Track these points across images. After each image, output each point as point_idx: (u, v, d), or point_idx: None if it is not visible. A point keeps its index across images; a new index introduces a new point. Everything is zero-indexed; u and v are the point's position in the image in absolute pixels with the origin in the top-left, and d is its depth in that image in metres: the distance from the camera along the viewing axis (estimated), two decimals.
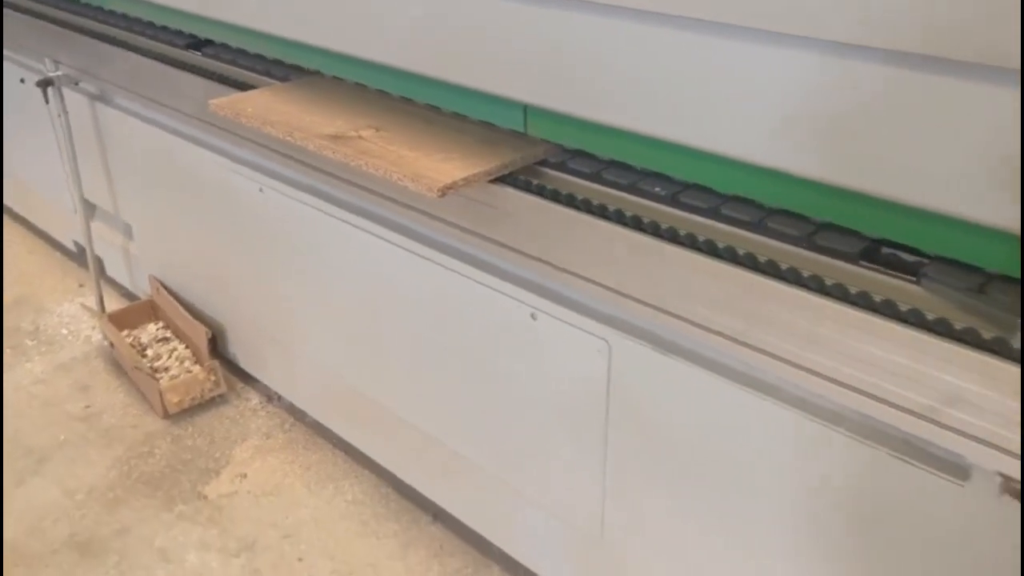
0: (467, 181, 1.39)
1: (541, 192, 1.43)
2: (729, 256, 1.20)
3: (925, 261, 1.11)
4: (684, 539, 1.55)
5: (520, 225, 1.46)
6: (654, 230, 1.28)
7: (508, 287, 1.63)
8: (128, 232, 2.93)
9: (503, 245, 1.51)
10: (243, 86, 1.96)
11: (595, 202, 1.36)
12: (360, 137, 1.55)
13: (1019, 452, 0.99)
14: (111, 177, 2.81)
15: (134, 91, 2.36)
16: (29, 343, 2.93)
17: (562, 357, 1.60)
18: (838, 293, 1.10)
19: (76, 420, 2.56)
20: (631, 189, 1.36)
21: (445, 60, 1.48)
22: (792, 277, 1.15)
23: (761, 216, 1.22)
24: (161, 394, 2.50)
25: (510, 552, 1.99)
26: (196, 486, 2.30)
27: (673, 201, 1.31)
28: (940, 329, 1.03)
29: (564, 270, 1.42)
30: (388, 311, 1.97)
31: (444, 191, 1.35)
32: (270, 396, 2.61)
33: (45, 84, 2.54)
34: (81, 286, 3.23)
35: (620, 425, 1.57)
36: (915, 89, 0.95)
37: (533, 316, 1.62)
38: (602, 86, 1.26)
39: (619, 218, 1.32)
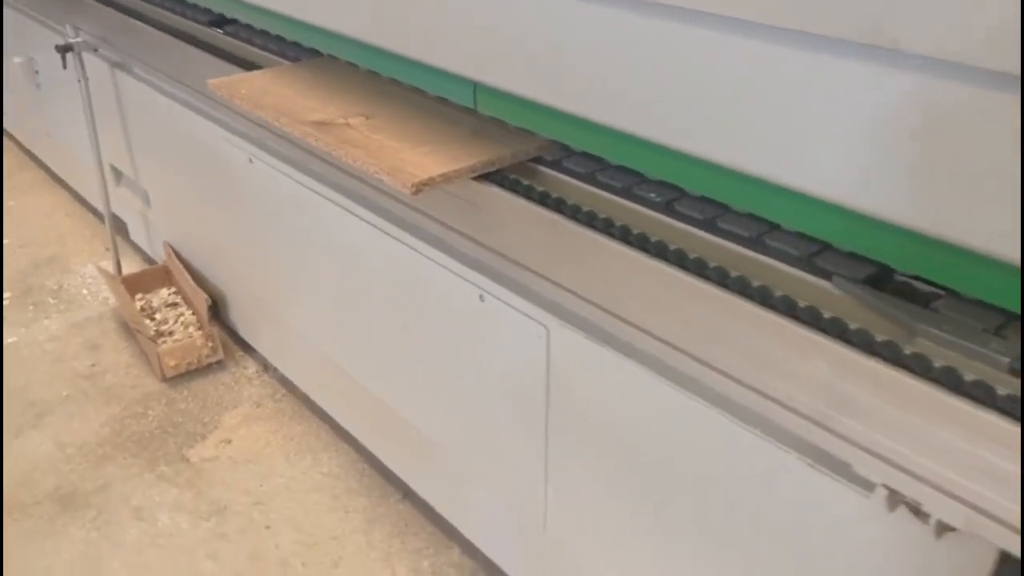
0: (446, 178, 1.33)
1: (526, 193, 1.34)
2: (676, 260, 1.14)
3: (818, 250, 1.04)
4: (621, 533, 1.51)
5: (502, 224, 1.39)
6: (620, 234, 1.20)
7: (458, 266, 1.61)
8: (146, 199, 3.01)
9: (453, 229, 1.49)
10: (251, 66, 1.97)
11: (583, 208, 1.26)
12: (347, 125, 1.52)
13: (906, 465, 0.93)
14: (130, 143, 2.88)
15: (149, 64, 2.41)
16: (51, 301, 3.04)
17: (506, 340, 1.57)
18: (736, 286, 1.05)
19: (81, 377, 2.64)
20: (624, 193, 1.27)
21: (406, 36, 1.45)
22: (694, 268, 1.09)
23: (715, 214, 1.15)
24: (159, 357, 2.56)
25: (469, 536, 1.97)
26: (181, 449, 2.35)
27: (667, 208, 1.21)
28: (833, 330, 0.96)
29: (507, 257, 1.39)
30: (361, 288, 1.96)
31: (419, 188, 1.30)
32: (266, 366, 2.65)
33: (65, 49, 2.61)
34: (107, 249, 3.31)
35: (560, 414, 1.53)
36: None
37: (481, 298, 1.59)
38: (545, 67, 1.21)
39: (588, 220, 1.25)
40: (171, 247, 2.93)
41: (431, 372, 1.83)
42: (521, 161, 1.39)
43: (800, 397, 1.00)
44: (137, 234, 3.20)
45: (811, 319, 0.99)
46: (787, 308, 1.01)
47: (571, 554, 1.66)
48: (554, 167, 1.37)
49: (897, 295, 0.99)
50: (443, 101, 1.56)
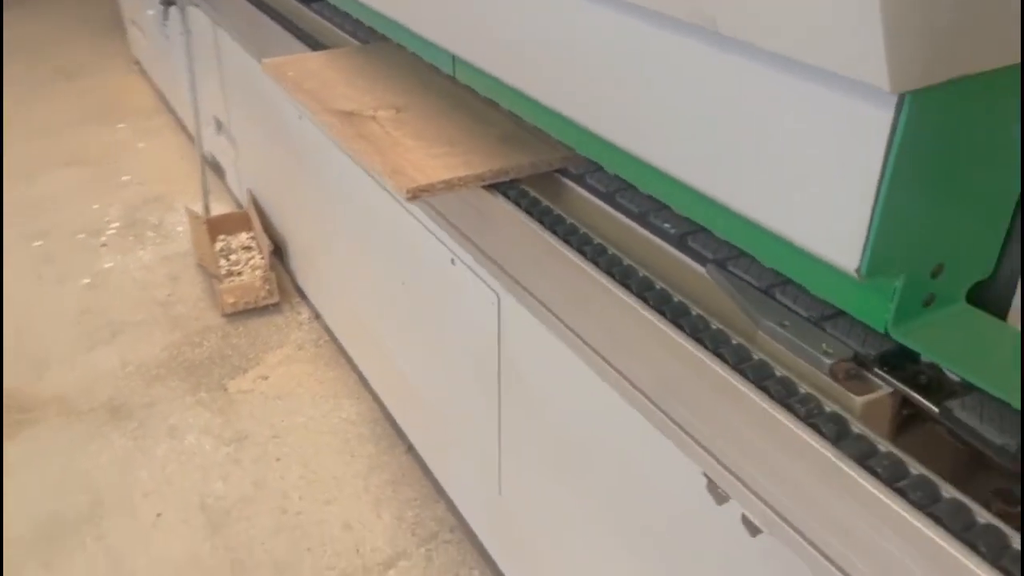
0: (448, 185, 1.27)
1: (527, 206, 1.25)
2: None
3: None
4: (560, 510, 1.53)
5: (495, 229, 1.32)
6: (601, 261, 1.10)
7: (435, 228, 1.66)
8: (237, 149, 3.23)
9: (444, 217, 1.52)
10: (318, 46, 1.98)
11: (580, 231, 1.16)
12: (373, 118, 1.49)
13: (711, 452, 0.91)
14: (227, 97, 3.10)
15: (236, 30, 2.59)
16: (150, 234, 3.33)
17: (469, 304, 1.61)
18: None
19: (156, 304, 2.90)
20: (639, 218, 1.16)
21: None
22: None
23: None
24: (220, 294, 2.78)
25: (451, 494, 2.04)
26: (223, 379, 2.55)
27: (680, 243, 1.09)
28: (692, 324, 0.95)
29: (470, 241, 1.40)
30: (374, 247, 2.06)
31: (415, 194, 1.24)
32: (316, 314, 2.81)
33: (167, 3, 2.85)
34: (209, 192, 3.60)
35: (509, 383, 1.56)
36: None
37: (452, 261, 1.64)
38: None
39: (574, 241, 1.15)
40: (253, 195, 3.14)
41: (419, 329, 1.91)
42: (543, 172, 1.30)
43: (645, 380, 1.00)
44: (231, 181, 3.45)
45: (679, 312, 0.98)
46: (660, 300, 1.00)
47: (521, 519, 1.70)
48: (578, 182, 1.28)
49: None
50: (489, 101, 1.44)
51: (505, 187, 1.29)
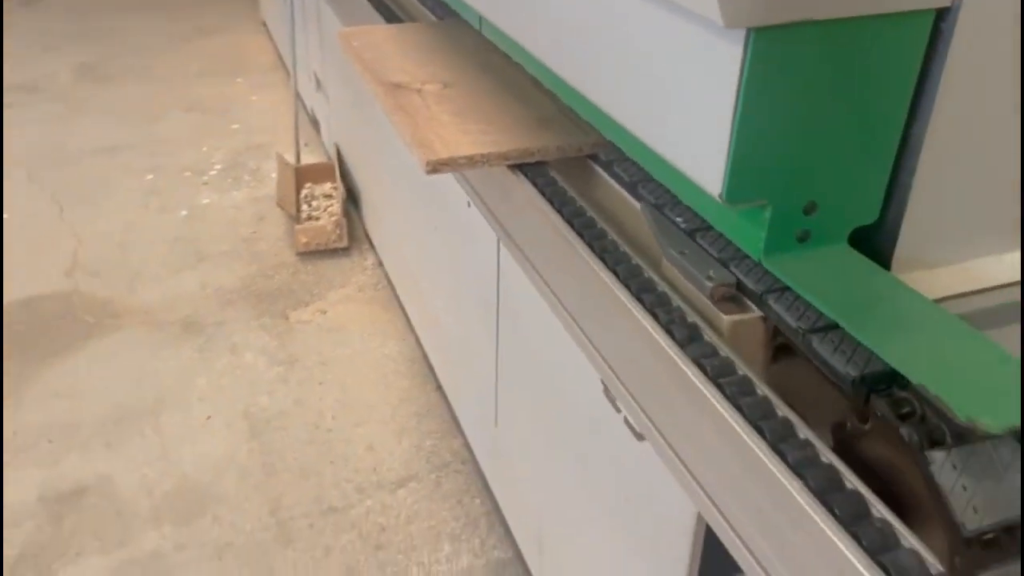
0: (471, 161, 1.29)
1: (542, 186, 1.27)
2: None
3: None
4: (537, 449, 1.65)
5: (517, 213, 1.34)
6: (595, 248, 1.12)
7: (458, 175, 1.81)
8: (330, 105, 3.47)
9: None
10: (396, 19, 2.05)
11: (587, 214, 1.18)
12: (419, 91, 1.53)
13: (608, 362, 1.02)
14: (323, 56, 3.34)
15: None
16: (246, 178, 3.62)
17: (477, 245, 1.75)
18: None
19: (240, 239, 3.17)
20: (654, 209, 1.13)
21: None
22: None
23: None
24: (295, 234, 3.02)
25: (465, 430, 2.19)
26: (286, 309, 2.78)
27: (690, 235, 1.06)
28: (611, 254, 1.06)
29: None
30: (416, 196, 2.22)
31: (435, 167, 1.27)
32: (380, 261, 3.01)
33: None
34: (306, 145, 3.87)
35: (505, 323, 1.69)
36: None
37: (468, 204, 1.78)
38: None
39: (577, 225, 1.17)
40: (338, 148, 3.37)
41: (446, 271, 2.06)
42: (572, 156, 1.31)
43: (571, 300, 1.11)
44: (324, 135, 3.70)
45: (609, 249, 1.08)
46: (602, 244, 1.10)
47: (510, 448, 1.83)
48: (606, 168, 1.27)
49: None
50: (536, 83, 1.49)
51: (529, 167, 1.31)
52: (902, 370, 0.77)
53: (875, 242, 0.97)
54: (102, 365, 2.53)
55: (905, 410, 0.78)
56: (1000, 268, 1.03)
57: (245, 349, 2.60)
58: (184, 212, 3.35)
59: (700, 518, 1.06)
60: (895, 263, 0.98)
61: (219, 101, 4.34)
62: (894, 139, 0.90)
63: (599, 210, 1.19)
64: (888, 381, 0.80)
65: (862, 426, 0.86)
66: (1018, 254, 1.04)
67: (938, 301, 0.95)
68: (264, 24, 5.23)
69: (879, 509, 0.70)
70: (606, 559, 1.40)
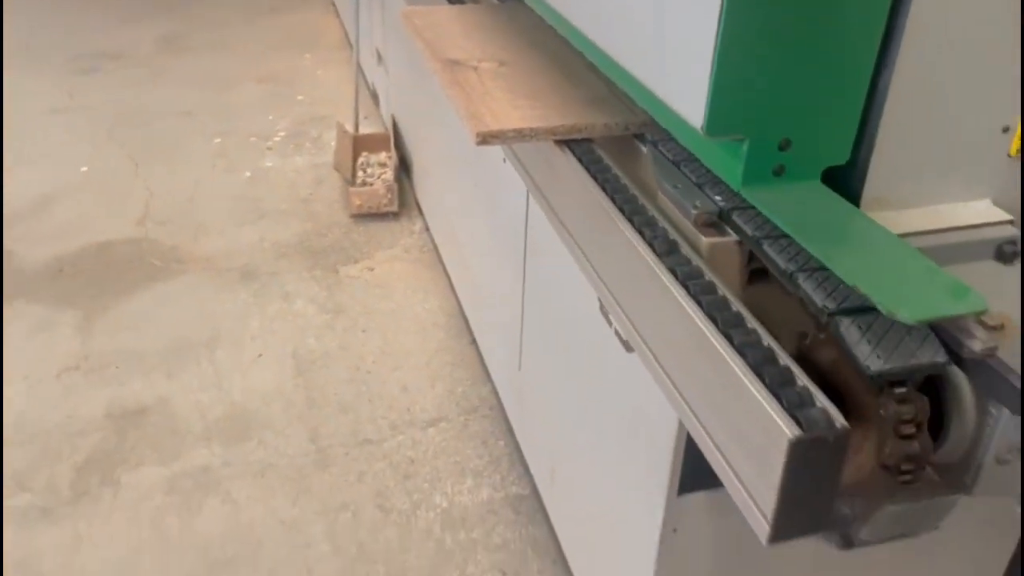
0: (520, 134, 1.33)
1: (582, 155, 1.30)
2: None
3: None
4: (552, 386, 1.80)
5: (560, 189, 1.38)
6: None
7: None
8: (389, 78, 3.65)
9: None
10: (459, 1, 2.10)
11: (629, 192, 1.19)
12: (475, 68, 1.58)
13: (603, 280, 1.15)
14: (385, 32, 3.52)
15: None
16: (307, 145, 3.83)
17: (510, 195, 1.90)
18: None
19: (298, 200, 3.38)
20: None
21: None
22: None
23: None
24: (349, 196, 3.20)
25: (492, 375, 2.34)
26: (336, 264, 2.97)
27: (721, 216, 1.10)
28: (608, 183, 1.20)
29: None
30: (459, 157, 2.38)
31: (484, 139, 1.32)
32: (427, 226, 3.18)
33: None
34: (365, 118, 4.05)
35: (530, 270, 1.83)
36: None
37: (504, 160, 1.92)
38: None
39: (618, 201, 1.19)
40: (395, 119, 3.55)
41: (481, 224, 2.21)
42: (619, 135, 1.34)
43: (575, 226, 1.25)
44: (383, 107, 3.89)
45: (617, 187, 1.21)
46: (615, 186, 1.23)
47: (530, 391, 1.97)
48: (653, 148, 1.26)
49: None
50: (590, 65, 1.45)
51: (576, 144, 1.34)
52: (840, 274, 0.89)
53: (846, 182, 1.09)
54: (166, 304, 2.75)
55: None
56: (966, 212, 1.13)
57: (296, 297, 2.79)
58: (248, 173, 3.57)
59: (681, 425, 1.19)
60: (864, 202, 1.09)
61: (287, 74, 4.56)
62: (863, 83, 1.02)
63: (633, 178, 1.27)
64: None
65: (818, 334, 0.98)
66: (986, 203, 1.15)
67: (902, 235, 1.07)
68: (333, 4, 5.45)
69: (820, 398, 0.82)
70: (605, 477, 1.53)
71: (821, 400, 0.79)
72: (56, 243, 3.05)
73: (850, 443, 0.89)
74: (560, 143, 1.35)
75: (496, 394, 2.34)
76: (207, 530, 1.97)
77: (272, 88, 4.39)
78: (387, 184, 3.24)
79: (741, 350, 0.86)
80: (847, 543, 0.93)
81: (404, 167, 3.44)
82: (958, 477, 0.95)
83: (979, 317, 0.97)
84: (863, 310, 0.89)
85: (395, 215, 3.24)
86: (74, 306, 2.72)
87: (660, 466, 1.26)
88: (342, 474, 2.13)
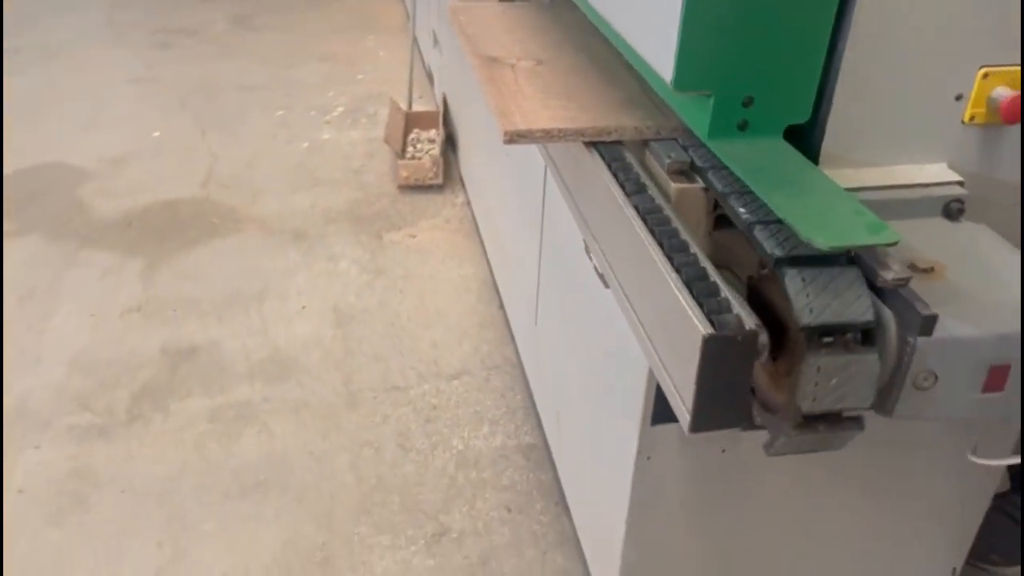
0: (548, 135, 1.33)
1: (609, 157, 1.29)
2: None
3: None
4: (559, 337, 1.93)
5: (582, 187, 1.40)
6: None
7: None
8: (443, 59, 3.82)
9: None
10: None
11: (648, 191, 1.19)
12: (512, 66, 1.58)
13: (586, 221, 1.29)
14: (440, 15, 3.69)
15: None
16: (363, 121, 4.03)
17: (533, 165, 2.04)
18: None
19: (350, 171, 3.57)
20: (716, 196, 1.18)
21: None
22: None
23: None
24: (397, 168, 3.38)
25: (515, 336, 2.49)
26: (380, 230, 3.15)
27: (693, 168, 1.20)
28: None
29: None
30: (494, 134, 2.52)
31: (512, 137, 1.32)
32: (468, 200, 3.34)
33: None
34: (420, 97, 4.24)
35: (547, 234, 1.98)
36: None
37: None
38: None
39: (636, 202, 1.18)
40: (445, 98, 3.72)
41: (510, 195, 2.36)
42: (649, 138, 1.31)
43: (571, 181, 1.39)
44: (436, 87, 4.06)
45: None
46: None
47: (544, 345, 2.12)
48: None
49: None
50: (628, 66, 1.47)
51: (605, 145, 1.33)
52: (774, 207, 1.01)
53: (807, 140, 1.21)
54: (222, 258, 2.97)
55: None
56: (921, 173, 1.24)
57: (341, 258, 2.98)
58: (306, 144, 3.78)
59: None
60: (822, 159, 1.21)
61: (350, 54, 4.78)
62: (821, 47, 1.13)
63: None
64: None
65: (761, 271, 1.11)
66: (941, 166, 1.25)
67: (855, 189, 1.18)
68: None
69: (736, 307, 0.95)
70: (594, 413, 1.67)
71: (737, 308, 0.92)
72: (127, 199, 3.30)
73: (778, 369, 1.02)
74: (588, 145, 1.34)
75: (518, 354, 2.49)
76: (243, 455, 2.17)
77: (334, 67, 4.62)
78: (433, 158, 3.42)
79: (678, 268, 0.99)
80: (770, 446, 1.05)
81: (451, 143, 3.61)
82: (880, 402, 1.07)
83: (913, 261, 1.09)
84: (809, 262, 1.01)
85: (439, 188, 3.41)
86: (139, 256, 2.97)
87: (635, 397, 1.39)
88: (369, 415, 2.31)
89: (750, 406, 0.96)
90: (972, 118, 1.21)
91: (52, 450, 2.18)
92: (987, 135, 1.23)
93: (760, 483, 1.51)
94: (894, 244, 0.96)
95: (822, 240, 0.95)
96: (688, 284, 0.96)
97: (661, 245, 1.04)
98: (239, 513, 2.02)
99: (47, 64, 4.62)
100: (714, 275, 0.98)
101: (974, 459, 1.41)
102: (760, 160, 1.15)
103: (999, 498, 1.95)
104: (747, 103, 1.16)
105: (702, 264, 1.01)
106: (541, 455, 2.19)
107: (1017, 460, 1.25)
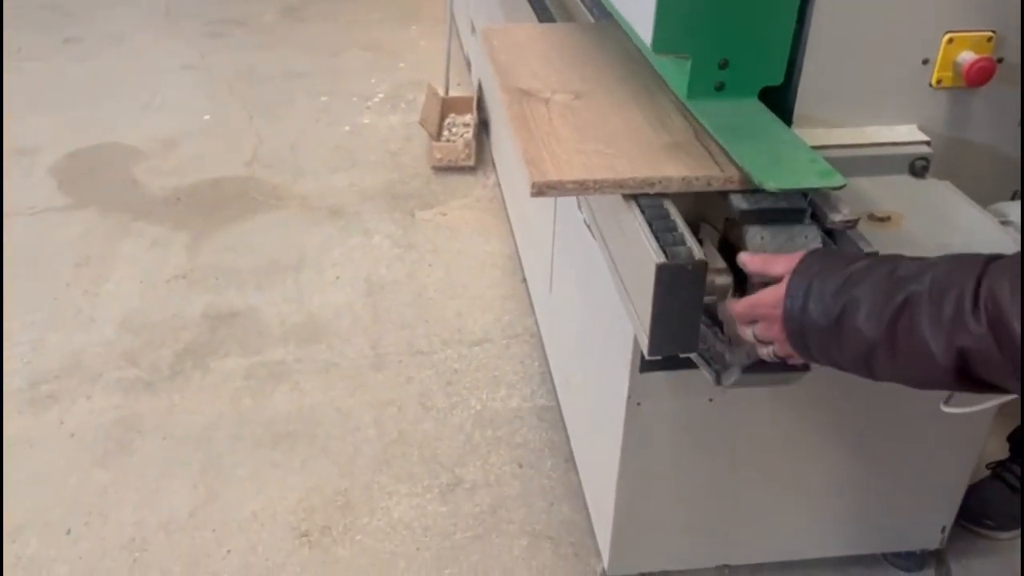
0: (581, 186, 1.16)
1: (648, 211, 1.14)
2: None
3: None
4: (569, 302, 2.04)
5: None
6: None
7: None
8: (477, 46, 3.95)
9: None
10: (549, 17, 2.07)
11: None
12: (547, 100, 1.43)
13: None
14: (477, 2, 3.82)
15: None
16: (402, 106, 4.18)
17: None
18: None
19: (388, 152, 3.72)
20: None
21: None
22: None
23: None
24: (431, 150, 3.52)
25: (535, 307, 2.61)
26: (413, 208, 3.29)
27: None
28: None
29: None
30: None
31: (541, 190, 1.17)
32: (499, 182, 3.46)
33: None
34: (458, 84, 4.36)
35: (560, 204, 2.08)
36: None
37: None
38: None
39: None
40: (480, 84, 3.84)
41: None
42: (699, 191, 1.16)
43: None
44: (473, 72, 4.19)
45: None
46: None
47: (557, 311, 2.22)
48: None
49: None
50: (677, 102, 1.37)
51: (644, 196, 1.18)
52: (735, 157, 1.11)
53: (781, 101, 1.30)
54: (263, 231, 3.14)
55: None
56: (890, 134, 1.32)
57: (375, 233, 3.13)
58: (347, 128, 3.94)
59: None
60: (796, 119, 1.30)
61: (392, 43, 4.93)
62: (792, 11, 1.22)
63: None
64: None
65: (733, 219, 1.20)
66: (911, 127, 1.33)
67: (825, 147, 1.27)
68: None
69: (689, 240, 1.04)
70: (593, 366, 1.77)
71: (690, 242, 1.02)
72: (177, 177, 3.50)
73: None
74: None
75: (537, 324, 2.60)
76: (275, 409, 2.32)
77: (377, 55, 4.77)
78: (466, 141, 3.54)
79: (644, 209, 1.10)
80: (717, 381, 1.15)
81: (485, 128, 3.73)
82: None
83: (872, 212, 1.18)
84: (771, 220, 1.09)
85: (472, 169, 3.54)
86: (186, 228, 3.15)
87: (625, 345, 1.49)
88: (394, 376, 2.44)
89: (698, 332, 1.06)
90: (939, 81, 1.29)
91: (101, 400, 2.36)
92: (954, 98, 1.31)
93: (747, 435, 1.60)
94: (841, 187, 1.05)
95: (773, 183, 1.04)
96: (650, 222, 1.07)
97: (635, 197, 1.14)
98: (269, 460, 2.17)
99: (109, 51, 4.87)
100: (674, 215, 1.08)
101: (946, 409, 1.48)
102: (733, 118, 1.25)
103: (998, 465, 2.01)
104: (723, 65, 1.26)
105: (665, 207, 1.11)
106: (554, 416, 2.30)
107: (988, 405, 1.31)
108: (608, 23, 1.72)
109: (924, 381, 0.88)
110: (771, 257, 1.03)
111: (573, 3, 2.09)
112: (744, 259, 1.06)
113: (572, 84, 1.48)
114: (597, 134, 1.29)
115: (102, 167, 3.61)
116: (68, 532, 1.98)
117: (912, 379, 0.89)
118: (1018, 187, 1.31)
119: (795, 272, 0.96)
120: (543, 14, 2.11)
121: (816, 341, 0.94)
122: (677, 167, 1.18)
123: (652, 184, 1.16)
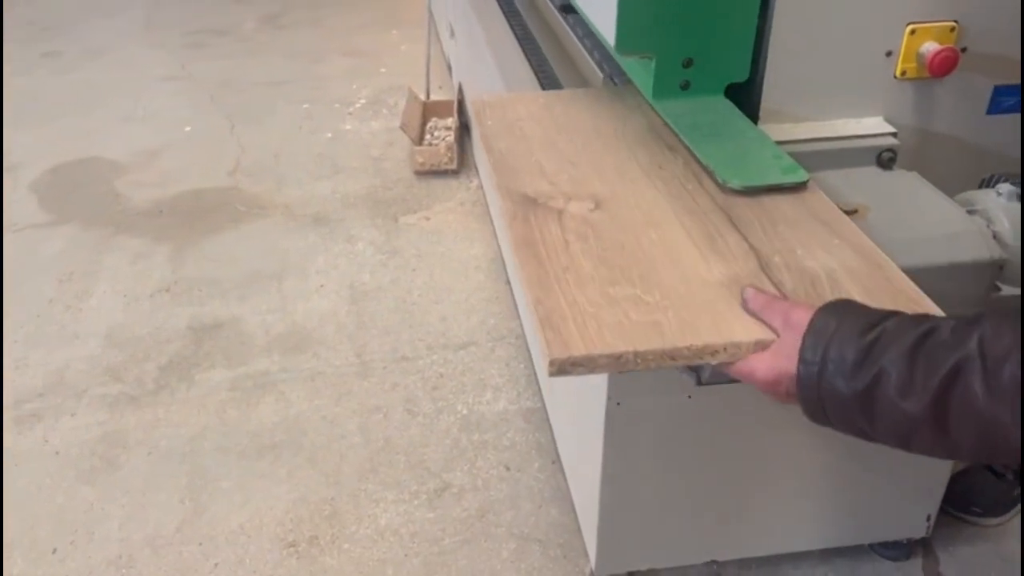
0: (617, 362, 0.89)
1: None
2: None
3: None
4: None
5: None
6: None
7: None
8: (458, 50, 3.95)
9: None
10: (550, 81, 1.82)
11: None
12: (560, 212, 1.13)
13: None
14: (455, 7, 3.81)
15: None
16: (384, 112, 4.17)
17: None
18: None
19: (370, 159, 3.72)
20: None
21: None
22: None
23: None
24: (413, 154, 3.52)
25: (520, 310, 2.60)
26: (396, 214, 3.29)
27: None
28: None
29: None
30: None
31: (563, 368, 0.92)
32: (482, 185, 3.45)
33: None
34: (440, 87, 4.36)
35: None
36: None
37: None
38: None
39: None
40: (461, 87, 3.84)
41: None
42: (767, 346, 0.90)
43: None
44: (454, 78, 4.19)
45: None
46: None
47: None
48: None
49: None
50: (724, 206, 1.09)
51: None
52: (700, 156, 1.11)
53: (748, 97, 1.30)
54: (246, 241, 3.13)
55: None
56: (857, 126, 1.33)
57: (358, 239, 3.12)
58: (329, 135, 3.94)
59: None
60: (763, 115, 1.30)
61: (373, 48, 4.93)
62: (754, 8, 1.22)
63: None
64: None
65: None
66: (878, 119, 1.33)
67: (793, 142, 1.27)
68: None
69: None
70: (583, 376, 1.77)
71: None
72: (159, 189, 3.49)
73: None
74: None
75: (522, 326, 2.60)
76: (261, 420, 2.32)
77: (358, 61, 4.77)
78: (448, 145, 3.54)
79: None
80: (698, 381, 1.15)
81: (467, 130, 3.73)
82: None
83: (838, 204, 1.18)
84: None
85: (455, 173, 3.53)
86: (169, 241, 3.14)
87: None
88: (379, 383, 2.44)
89: None
90: (904, 73, 1.29)
91: (86, 416, 2.35)
92: (919, 89, 1.31)
93: (728, 430, 1.60)
94: (804, 183, 1.05)
95: (737, 181, 1.04)
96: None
97: None
98: (255, 472, 2.16)
99: (89, 64, 4.86)
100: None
101: None
102: (699, 116, 1.25)
103: None
104: (687, 64, 1.26)
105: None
106: (540, 418, 2.30)
107: None
108: (623, 86, 1.46)
109: (992, 456, 0.78)
110: (773, 302, 0.89)
111: (577, 51, 1.80)
112: (749, 296, 0.90)
113: (589, 183, 1.18)
114: (628, 265, 0.99)
115: (84, 181, 3.60)
116: (54, 551, 1.97)
117: (970, 455, 0.79)
118: (986, 175, 1.31)
119: (808, 333, 0.82)
120: (543, 76, 1.84)
121: (838, 413, 0.83)
122: (747, 326, 0.88)
123: (715, 353, 0.87)
